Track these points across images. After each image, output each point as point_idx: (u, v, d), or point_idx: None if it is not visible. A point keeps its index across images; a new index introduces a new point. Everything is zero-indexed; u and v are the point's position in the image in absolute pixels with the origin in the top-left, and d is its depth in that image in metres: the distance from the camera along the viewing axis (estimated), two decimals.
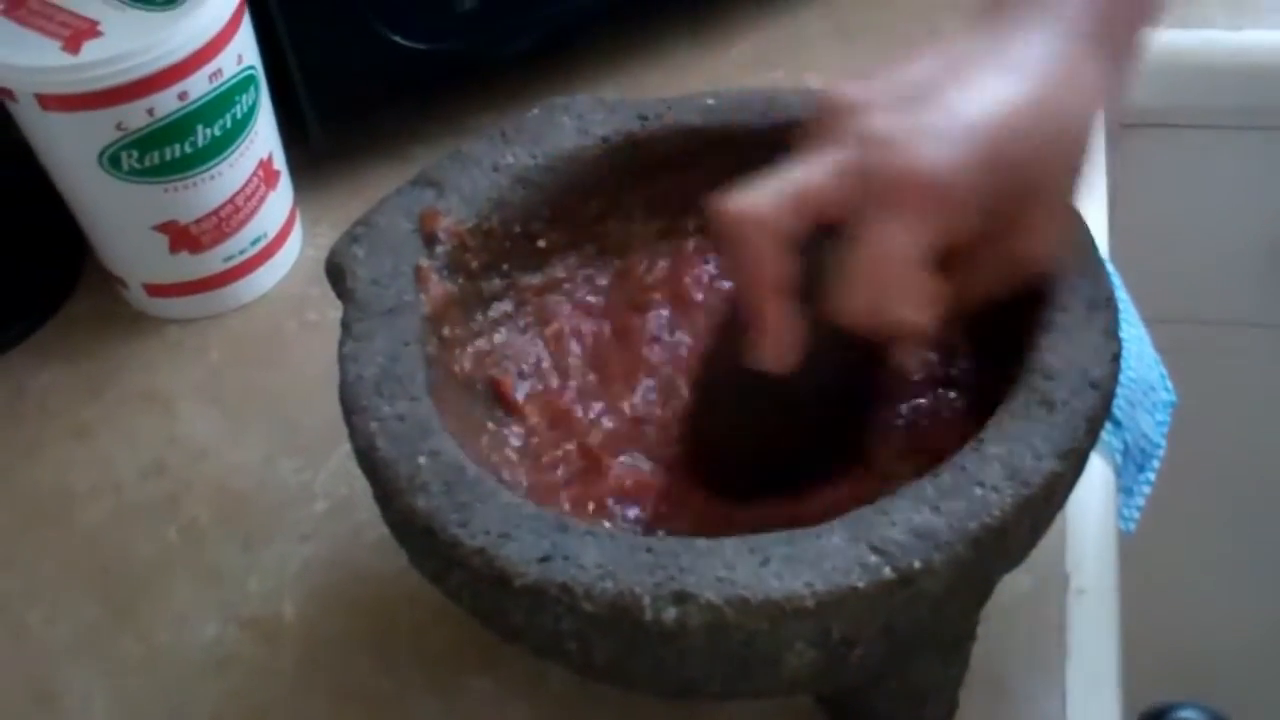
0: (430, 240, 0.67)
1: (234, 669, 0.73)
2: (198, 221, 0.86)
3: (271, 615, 0.75)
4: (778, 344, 0.57)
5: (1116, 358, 0.59)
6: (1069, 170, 0.57)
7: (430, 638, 0.72)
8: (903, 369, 0.63)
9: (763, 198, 0.55)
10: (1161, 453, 0.88)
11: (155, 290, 0.90)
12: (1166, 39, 1.03)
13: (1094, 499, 0.77)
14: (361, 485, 0.77)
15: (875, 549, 0.52)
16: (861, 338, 0.56)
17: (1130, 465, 0.85)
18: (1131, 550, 0.85)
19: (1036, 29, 0.57)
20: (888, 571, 0.52)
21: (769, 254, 0.55)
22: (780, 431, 0.63)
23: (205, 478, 0.82)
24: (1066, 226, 0.60)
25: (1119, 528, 0.81)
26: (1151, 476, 0.87)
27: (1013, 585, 0.68)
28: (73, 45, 0.78)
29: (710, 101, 0.72)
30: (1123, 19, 0.60)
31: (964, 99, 0.55)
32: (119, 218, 0.86)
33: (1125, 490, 0.85)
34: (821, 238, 0.55)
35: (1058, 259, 0.60)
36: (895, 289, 0.54)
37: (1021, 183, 0.55)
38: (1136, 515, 0.87)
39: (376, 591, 0.75)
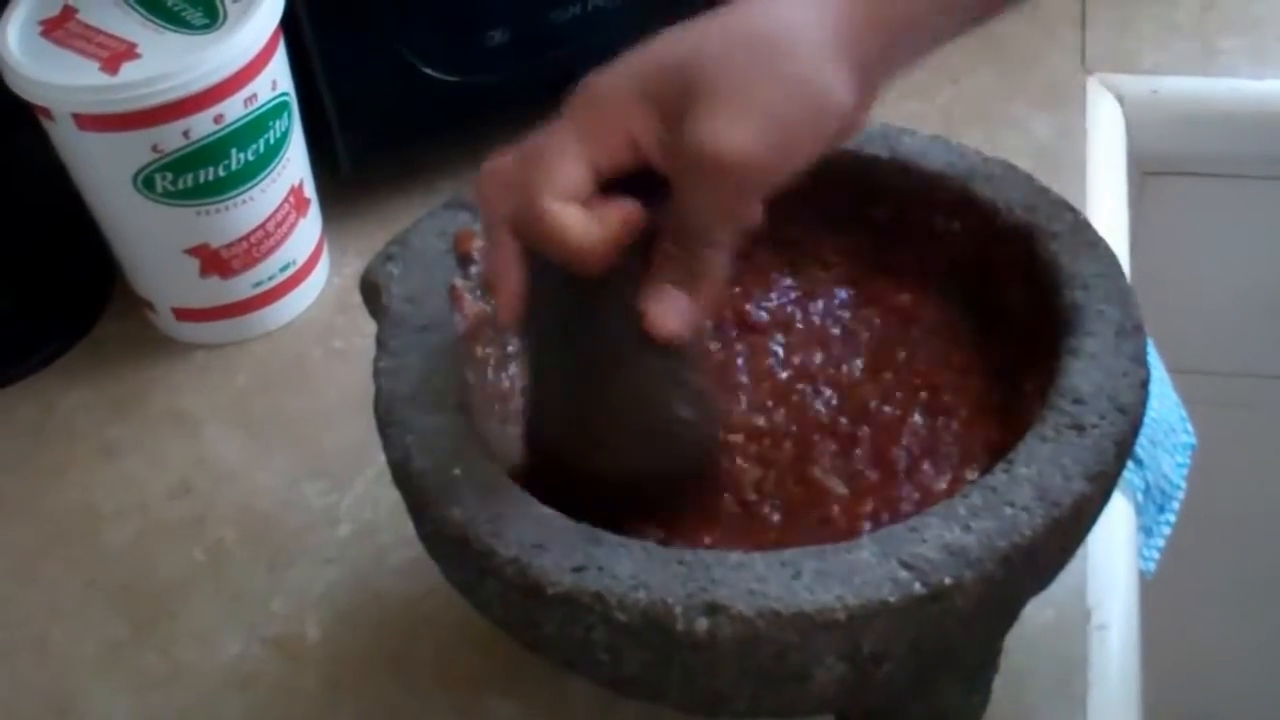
0: (464, 260, 0.67)
1: (257, 687, 0.73)
2: (229, 246, 0.86)
3: (295, 635, 0.75)
4: (509, 296, 0.57)
5: (1145, 384, 0.59)
6: (758, 66, 0.54)
7: (453, 660, 0.73)
8: (650, 319, 0.57)
9: (497, 155, 0.57)
10: (1181, 494, 0.88)
11: (184, 314, 0.90)
12: (1190, 88, 1.04)
13: (1116, 535, 0.77)
14: (386, 509, 0.79)
15: (906, 565, 0.53)
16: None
17: (1151, 505, 0.85)
18: (1152, 586, 0.85)
19: None
20: (918, 587, 0.52)
21: (494, 195, 0.57)
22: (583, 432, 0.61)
23: (231, 499, 0.82)
24: (763, 128, 0.54)
25: (1139, 568, 0.81)
26: (1171, 518, 0.87)
27: (1035, 619, 0.69)
28: (111, 66, 0.79)
29: None
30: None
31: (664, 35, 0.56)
32: (151, 240, 0.87)
33: (1145, 530, 0.85)
34: None
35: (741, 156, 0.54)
36: (538, 177, 0.54)
37: (689, 74, 0.54)
38: (1156, 556, 0.87)
39: (400, 614, 0.75)
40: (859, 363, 0.69)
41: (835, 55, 0.55)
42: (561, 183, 0.54)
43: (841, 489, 0.64)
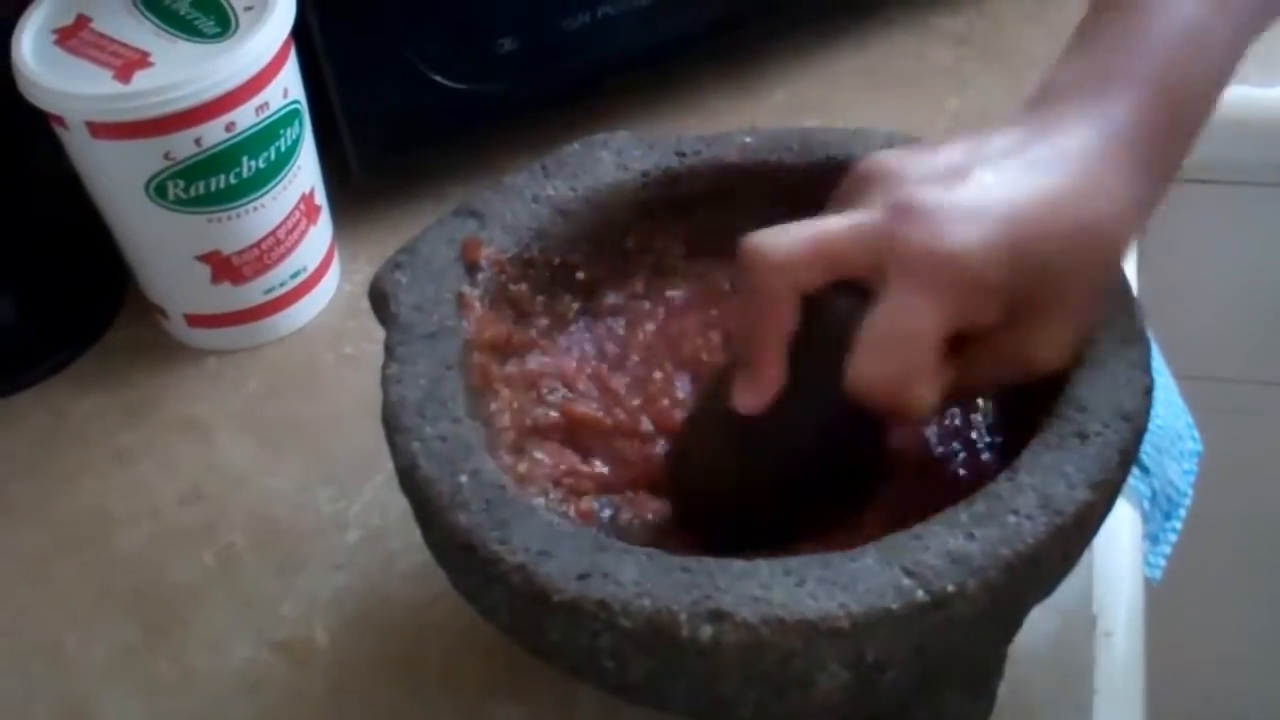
0: (472, 268, 0.68)
1: (266, 692, 0.74)
2: (240, 253, 0.87)
3: (304, 640, 0.75)
4: (762, 390, 0.58)
5: (1149, 391, 0.59)
6: (1091, 279, 0.57)
7: (460, 665, 0.73)
8: (900, 445, 0.62)
9: (786, 243, 0.56)
10: (1188, 502, 0.88)
11: (195, 320, 0.91)
12: None
13: (1122, 542, 0.77)
14: (394, 515, 0.79)
15: (909, 572, 0.53)
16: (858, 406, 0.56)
17: (1157, 513, 0.85)
18: (1158, 592, 0.85)
19: (1079, 125, 0.56)
20: (921, 595, 0.52)
21: (780, 299, 0.56)
22: (761, 480, 0.63)
23: (241, 505, 0.83)
24: (1079, 336, 0.58)
25: (1146, 575, 0.81)
26: (1178, 525, 0.88)
27: (1040, 626, 0.69)
28: (124, 74, 0.80)
29: (747, 139, 0.72)
30: (1168, 132, 0.58)
31: (996, 185, 0.55)
32: (163, 247, 0.87)
33: (1151, 538, 0.85)
34: (835, 295, 0.56)
35: (1060, 366, 0.58)
36: (913, 368, 0.54)
37: (1042, 282, 0.55)
38: (1163, 563, 0.87)
39: (408, 619, 0.76)
40: None
41: (1136, 224, 0.57)
42: (934, 374, 0.55)
43: None
